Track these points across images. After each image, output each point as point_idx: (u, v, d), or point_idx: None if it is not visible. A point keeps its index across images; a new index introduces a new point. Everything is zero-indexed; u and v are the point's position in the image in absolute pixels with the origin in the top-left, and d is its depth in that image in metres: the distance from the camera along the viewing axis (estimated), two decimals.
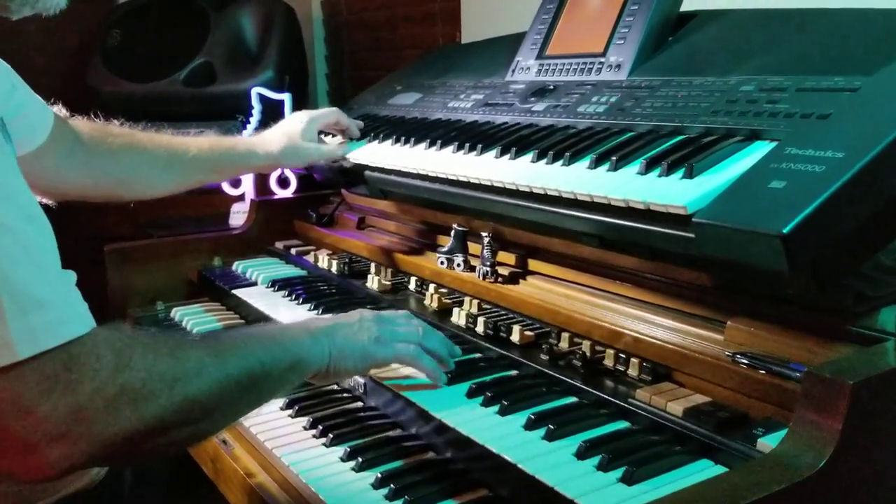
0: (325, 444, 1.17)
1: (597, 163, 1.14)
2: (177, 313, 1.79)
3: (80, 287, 1.11)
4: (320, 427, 1.21)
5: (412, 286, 1.58)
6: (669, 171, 1.04)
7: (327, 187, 2.08)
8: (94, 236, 2.54)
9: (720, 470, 0.90)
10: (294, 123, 1.67)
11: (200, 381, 0.88)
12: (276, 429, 1.24)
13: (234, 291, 1.73)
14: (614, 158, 1.12)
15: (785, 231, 0.84)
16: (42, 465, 0.77)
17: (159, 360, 0.85)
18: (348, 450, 1.13)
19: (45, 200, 1.42)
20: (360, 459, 1.10)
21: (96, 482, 1.16)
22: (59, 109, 1.49)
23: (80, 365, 0.78)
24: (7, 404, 0.74)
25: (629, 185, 1.05)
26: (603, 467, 0.91)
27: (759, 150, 1.01)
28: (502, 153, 1.31)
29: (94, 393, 0.78)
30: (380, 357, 1.15)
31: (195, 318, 1.75)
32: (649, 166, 1.07)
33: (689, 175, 1.01)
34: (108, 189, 1.58)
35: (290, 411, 1.29)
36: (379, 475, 1.05)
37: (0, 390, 0.74)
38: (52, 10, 1.06)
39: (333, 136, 1.76)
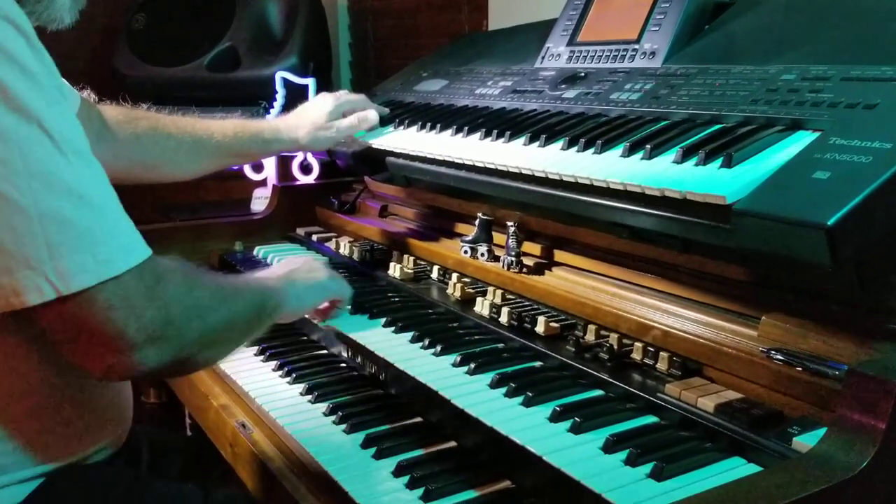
0: (345, 431, 1.15)
1: (630, 151, 1.11)
2: None
3: None
4: (340, 413, 1.19)
5: (434, 275, 1.56)
6: (707, 160, 1.01)
7: (350, 174, 2.06)
8: None
9: (753, 468, 0.87)
10: (319, 109, 1.65)
11: (234, 305, 1.05)
12: (290, 408, 1.23)
13: None
14: (649, 147, 1.09)
15: (829, 223, 0.81)
16: (137, 363, 0.89)
17: (209, 283, 1.02)
18: (368, 437, 1.11)
19: None
20: (379, 447, 1.08)
21: (110, 454, 1.16)
22: (89, 95, 1.50)
23: (166, 280, 0.92)
24: (120, 311, 0.86)
25: (665, 174, 1.02)
26: (631, 462, 0.89)
27: (801, 140, 0.98)
28: (531, 140, 1.29)
29: (178, 304, 0.92)
30: (334, 289, 1.34)
31: None
32: (686, 155, 1.04)
33: (728, 164, 0.98)
34: (134, 172, 1.60)
35: (309, 396, 1.27)
36: (399, 463, 1.03)
37: (114, 299, 0.85)
38: (56, 26, 1.09)
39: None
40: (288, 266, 1.32)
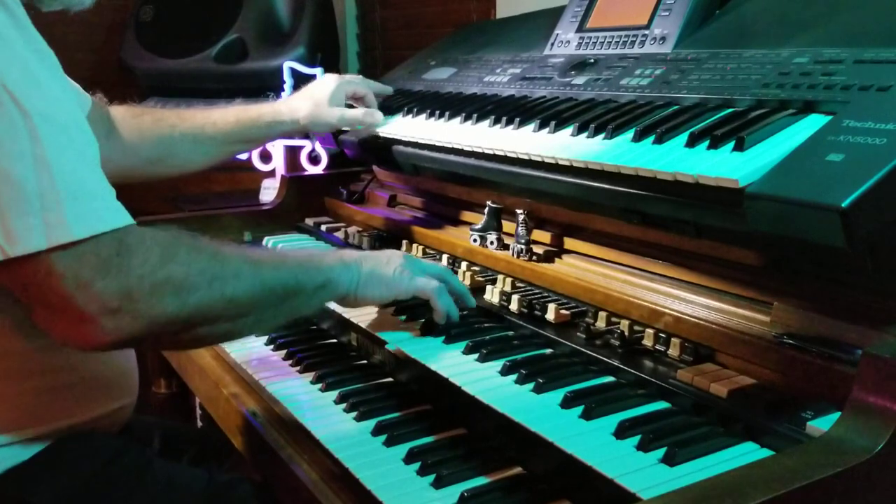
0: (355, 419, 1.15)
1: (641, 136, 1.10)
2: None
3: None
4: (350, 401, 1.19)
5: (444, 263, 1.56)
6: (719, 143, 1.00)
7: (358, 164, 2.06)
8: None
9: (766, 453, 0.87)
10: (322, 88, 1.65)
11: (237, 283, 0.99)
12: (301, 397, 1.23)
13: None
14: (660, 131, 1.08)
15: (844, 205, 0.81)
16: (95, 334, 0.88)
17: (201, 259, 0.97)
18: (379, 424, 1.11)
19: None
20: (390, 434, 1.08)
21: (117, 430, 1.18)
22: (100, 98, 1.53)
23: (131, 252, 0.89)
24: (68, 280, 0.85)
25: (676, 158, 1.02)
26: (643, 447, 0.88)
27: (814, 123, 0.97)
28: (541, 126, 1.28)
29: (142, 278, 0.89)
30: (402, 287, 1.21)
31: None
32: (697, 139, 1.03)
33: (740, 148, 0.97)
34: (144, 169, 1.61)
35: (320, 385, 1.27)
36: (410, 450, 1.03)
37: (62, 266, 0.85)
38: (77, 7, 1.13)
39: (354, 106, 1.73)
40: (371, 252, 1.27)
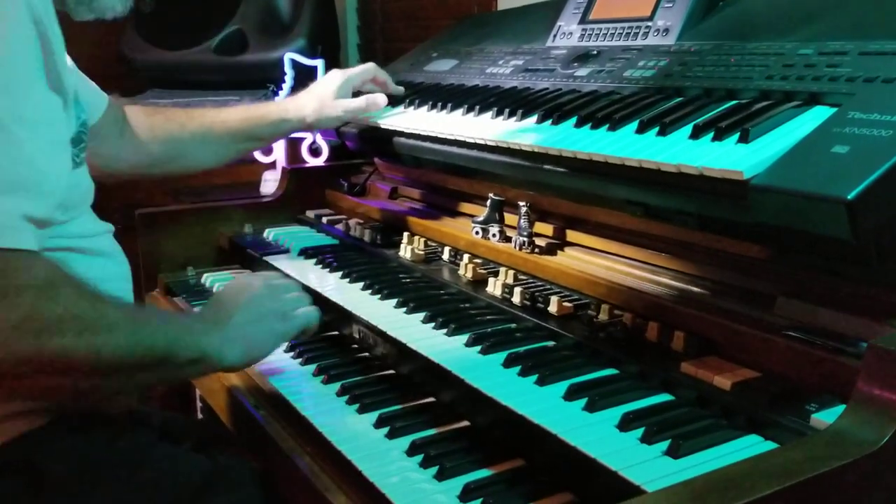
0: (357, 411, 1.15)
1: (645, 128, 1.10)
2: (208, 279, 1.79)
3: None
4: (352, 394, 1.19)
5: (446, 256, 1.56)
6: (723, 135, 0.99)
7: (360, 156, 2.05)
8: (125, 203, 2.54)
9: (770, 446, 0.87)
10: (327, 86, 1.66)
11: (108, 339, 0.93)
12: (303, 389, 1.23)
13: (265, 258, 1.72)
14: (664, 123, 1.07)
15: (850, 197, 0.80)
16: None
17: (80, 305, 0.92)
18: (381, 417, 1.11)
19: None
20: (392, 427, 1.08)
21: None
22: (116, 98, 1.55)
23: (11, 276, 0.86)
24: None
25: (680, 150, 1.01)
26: (647, 440, 0.88)
27: (819, 115, 0.97)
28: (544, 118, 1.27)
29: (13, 307, 0.85)
30: (290, 332, 1.23)
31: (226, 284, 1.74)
32: (701, 131, 1.02)
33: (745, 140, 0.97)
34: (157, 167, 1.64)
35: (322, 377, 1.27)
36: (412, 442, 1.03)
37: None
38: (110, 15, 1.17)
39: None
40: (238, 298, 1.17)
